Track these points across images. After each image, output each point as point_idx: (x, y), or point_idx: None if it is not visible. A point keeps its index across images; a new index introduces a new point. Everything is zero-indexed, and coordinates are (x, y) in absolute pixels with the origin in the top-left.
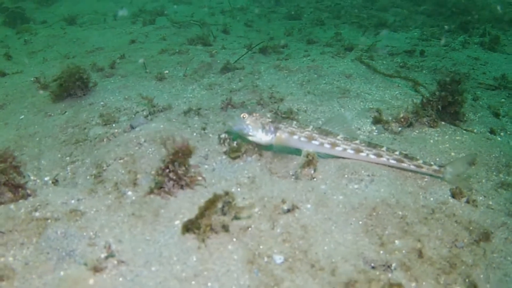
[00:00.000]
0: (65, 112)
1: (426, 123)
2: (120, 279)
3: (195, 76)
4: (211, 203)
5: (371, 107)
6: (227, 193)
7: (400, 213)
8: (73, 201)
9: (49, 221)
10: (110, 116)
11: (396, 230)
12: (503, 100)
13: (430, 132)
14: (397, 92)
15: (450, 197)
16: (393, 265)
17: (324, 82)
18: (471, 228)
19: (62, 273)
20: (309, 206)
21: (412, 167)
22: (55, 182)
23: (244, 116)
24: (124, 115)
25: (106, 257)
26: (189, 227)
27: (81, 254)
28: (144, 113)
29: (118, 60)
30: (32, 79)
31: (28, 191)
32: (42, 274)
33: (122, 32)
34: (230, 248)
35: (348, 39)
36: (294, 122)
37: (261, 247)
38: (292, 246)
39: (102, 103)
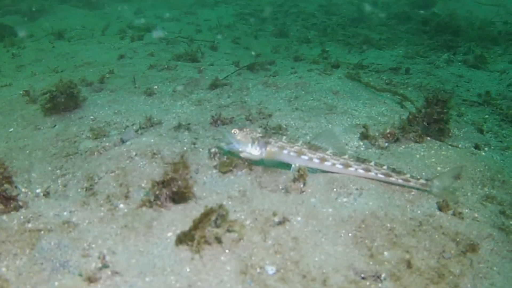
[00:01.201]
0: (55, 125)
1: (412, 138)
2: None
3: (184, 92)
4: (205, 216)
5: (358, 123)
6: (221, 206)
7: (388, 225)
8: (65, 213)
9: (42, 232)
10: (101, 130)
11: (385, 241)
12: (486, 116)
13: (416, 147)
14: (383, 109)
15: (437, 210)
16: (383, 275)
17: (312, 98)
18: (458, 239)
19: (56, 283)
20: (299, 218)
21: (400, 181)
22: (47, 194)
23: (235, 132)
24: (114, 129)
25: (100, 268)
26: (182, 238)
27: (75, 265)
28: (134, 127)
29: (107, 75)
30: (21, 92)
31: (20, 203)
32: (36, 285)
33: (110, 47)
34: (223, 259)
35: (334, 57)
36: (284, 137)
37: (253, 258)
38: (283, 257)
39: (92, 117)
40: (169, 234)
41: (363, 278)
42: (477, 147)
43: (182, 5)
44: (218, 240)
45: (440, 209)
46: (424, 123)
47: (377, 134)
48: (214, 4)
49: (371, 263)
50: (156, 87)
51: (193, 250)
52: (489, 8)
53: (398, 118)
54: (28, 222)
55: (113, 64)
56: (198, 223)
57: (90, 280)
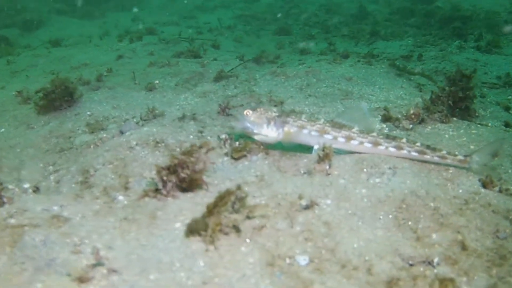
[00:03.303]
0: (49, 123)
1: (438, 119)
2: None
3: (187, 85)
4: (221, 199)
5: (378, 106)
6: (239, 188)
7: (432, 204)
8: (55, 208)
9: (26, 228)
10: (98, 124)
11: (431, 222)
12: (510, 97)
13: (444, 127)
14: (401, 93)
15: (481, 187)
16: (436, 260)
17: (325, 85)
18: (511, 217)
19: (39, 285)
20: (329, 201)
21: (436, 158)
22: (36, 190)
23: (248, 113)
24: (113, 123)
25: (94, 266)
26: (194, 228)
27: (63, 264)
28: (135, 120)
29: (105, 73)
30: (14, 93)
31: (5, 199)
32: None
33: (108, 49)
34: (243, 250)
35: (342, 49)
36: (304, 115)
37: (280, 247)
38: (316, 245)
39: (88, 113)
40: (177, 224)
41: (411, 264)
42: (507, 125)
43: (180, 12)
44: (236, 229)
45: (484, 186)
46: (449, 102)
47: (400, 116)
48: (213, 9)
49: (418, 247)
50: (157, 81)
51: (207, 241)
52: (492, 1)
53: (420, 100)
54: (11, 217)
55: (111, 64)
56: (213, 208)
57: (81, 280)
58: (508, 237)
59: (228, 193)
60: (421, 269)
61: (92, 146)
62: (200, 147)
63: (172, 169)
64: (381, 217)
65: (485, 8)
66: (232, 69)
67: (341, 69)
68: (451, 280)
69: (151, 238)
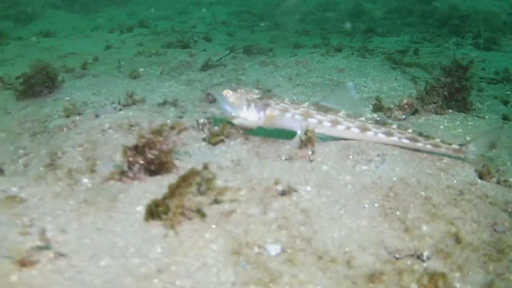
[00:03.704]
0: (27, 108)
1: (433, 110)
2: (57, 276)
3: (173, 74)
4: (184, 180)
5: (370, 96)
6: (206, 167)
7: (423, 193)
8: (14, 189)
9: None
10: (75, 108)
11: (422, 213)
12: (508, 92)
13: (438, 118)
14: (395, 84)
15: (477, 178)
16: (425, 253)
17: (315, 75)
18: (510, 210)
19: None
20: (309, 188)
21: (429, 146)
22: (0, 172)
23: (227, 94)
24: (91, 108)
25: (40, 249)
26: (153, 210)
27: (7, 246)
28: (113, 105)
29: (90, 61)
30: None
31: None
32: None
33: (98, 40)
34: (207, 236)
35: (337, 43)
36: (287, 98)
37: (250, 235)
38: (290, 234)
39: (68, 98)
40: (139, 208)
41: (397, 257)
42: (506, 118)
43: (175, 8)
44: (201, 213)
45: (481, 177)
46: (445, 93)
47: (392, 106)
48: (209, 5)
49: (407, 239)
50: (142, 69)
51: (167, 225)
52: (490, 2)
53: (414, 92)
54: None
55: (99, 54)
56: (175, 189)
57: (23, 263)
58: (507, 230)
59: (193, 173)
60: (409, 262)
61: (64, 129)
62: (172, 127)
63: (139, 150)
64: (366, 205)
65: (484, 9)
66: (220, 58)
67: (333, 60)
68: (442, 276)
69: (109, 222)
